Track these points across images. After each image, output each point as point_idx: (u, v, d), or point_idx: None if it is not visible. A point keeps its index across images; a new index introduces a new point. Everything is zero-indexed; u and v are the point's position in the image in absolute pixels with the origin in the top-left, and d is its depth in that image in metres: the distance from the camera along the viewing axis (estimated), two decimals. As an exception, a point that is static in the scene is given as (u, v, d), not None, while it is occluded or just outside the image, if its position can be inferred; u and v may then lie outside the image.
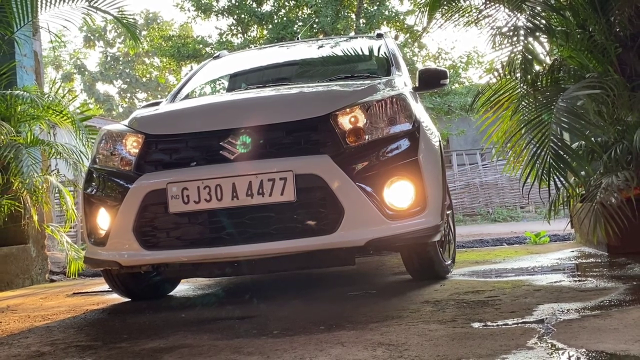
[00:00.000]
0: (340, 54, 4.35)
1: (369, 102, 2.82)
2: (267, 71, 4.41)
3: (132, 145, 2.91)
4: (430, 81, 3.62)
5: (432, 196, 2.79)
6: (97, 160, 3.05)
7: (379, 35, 4.48)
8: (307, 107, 2.92)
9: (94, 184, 3.02)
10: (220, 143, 2.74)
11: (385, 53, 3.98)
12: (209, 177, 2.66)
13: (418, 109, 3.07)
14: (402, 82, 3.43)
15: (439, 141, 3.25)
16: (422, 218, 2.74)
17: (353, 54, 4.32)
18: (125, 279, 3.19)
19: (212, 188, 2.64)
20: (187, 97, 3.92)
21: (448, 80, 3.76)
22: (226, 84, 4.31)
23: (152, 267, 2.95)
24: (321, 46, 4.75)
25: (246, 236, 2.67)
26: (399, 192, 2.73)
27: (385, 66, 3.83)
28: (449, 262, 3.35)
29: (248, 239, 2.67)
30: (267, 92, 3.46)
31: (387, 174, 2.72)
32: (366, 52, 4.23)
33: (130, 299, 3.33)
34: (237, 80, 4.32)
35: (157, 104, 3.83)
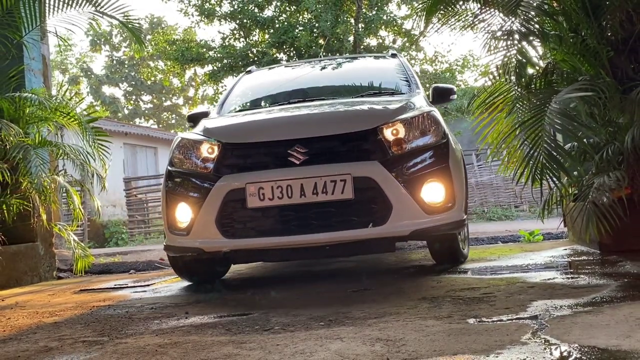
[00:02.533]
0: (366, 72, 4.87)
1: (408, 118, 3.29)
2: (307, 86, 4.79)
3: (207, 152, 3.33)
4: (442, 96, 4.19)
5: (459, 195, 3.27)
6: (174, 163, 3.47)
7: (393, 55, 4.94)
8: (358, 121, 3.37)
9: (174, 183, 3.45)
10: (288, 151, 3.16)
11: (404, 72, 4.49)
12: (281, 179, 3.09)
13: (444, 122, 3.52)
14: (423, 98, 3.89)
15: (461, 151, 3.70)
16: (452, 213, 3.23)
17: (378, 73, 4.79)
18: (188, 264, 3.67)
19: (284, 188, 3.09)
20: (242, 109, 4.33)
21: (455, 95, 4.28)
22: (263, 95, 4.74)
23: (224, 253, 3.35)
24: (340, 64, 5.31)
25: (311, 227, 3.11)
26: (434, 192, 3.19)
27: (405, 83, 4.29)
28: (465, 250, 3.88)
29: (313, 230, 3.11)
30: (319, 107, 3.86)
31: (424, 177, 3.19)
32: (390, 72, 4.64)
33: (190, 282, 3.80)
34: (277, 94, 4.63)
35: (205, 114, 4.30)
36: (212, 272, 3.84)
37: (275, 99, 4.40)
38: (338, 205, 3.09)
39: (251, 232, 3.20)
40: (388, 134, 3.21)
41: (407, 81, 4.32)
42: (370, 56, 5.81)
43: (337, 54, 15.38)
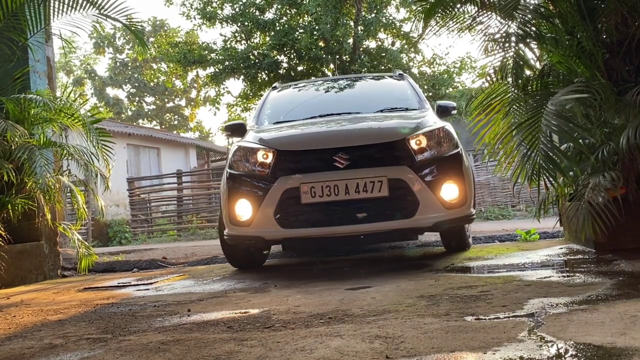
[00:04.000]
0: (380, 90, 5.57)
1: (428, 131, 3.92)
2: (329, 102, 5.39)
3: (262, 157, 3.90)
4: (445, 111, 4.73)
5: (469, 194, 3.91)
6: (233, 166, 4.04)
7: (401, 75, 5.62)
8: (389, 133, 4.00)
9: (234, 183, 3.98)
10: (333, 157, 3.76)
11: (412, 90, 5.19)
12: (329, 180, 3.69)
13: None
14: (433, 113, 4.56)
15: (468, 157, 4.27)
16: (465, 208, 3.86)
17: (391, 90, 5.45)
18: (238, 252, 4.38)
19: (332, 187, 3.69)
20: (280, 121, 4.80)
21: (456, 110, 4.88)
22: (296, 109, 5.19)
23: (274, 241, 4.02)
24: (355, 82, 5.95)
25: (353, 219, 3.71)
26: (451, 191, 3.81)
27: (415, 100, 4.96)
28: (470, 240, 4.62)
29: (354, 221, 3.71)
30: (353, 121, 4.41)
31: (443, 179, 3.81)
32: (400, 90, 5.31)
33: (238, 268, 4.47)
34: (308, 109, 5.09)
35: (242, 125, 4.90)
36: (256, 260, 4.53)
37: (308, 113, 4.89)
38: (375, 201, 3.69)
39: (304, 223, 3.78)
40: (413, 143, 3.83)
41: (417, 99, 5.00)
42: (381, 75, 6.34)
43: (337, 56, 15.39)
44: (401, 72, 5.75)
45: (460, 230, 4.31)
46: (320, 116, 4.68)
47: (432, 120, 4.18)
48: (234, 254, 4.43)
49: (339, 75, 15.17)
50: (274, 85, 5.96)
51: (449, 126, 4.08)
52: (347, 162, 3.75)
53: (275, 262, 4.98)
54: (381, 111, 4.68)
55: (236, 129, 4.82)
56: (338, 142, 3.91)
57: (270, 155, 3.88)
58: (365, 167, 3.74)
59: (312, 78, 7.26)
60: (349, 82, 6.01)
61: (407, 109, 4.73)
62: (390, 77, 5.83)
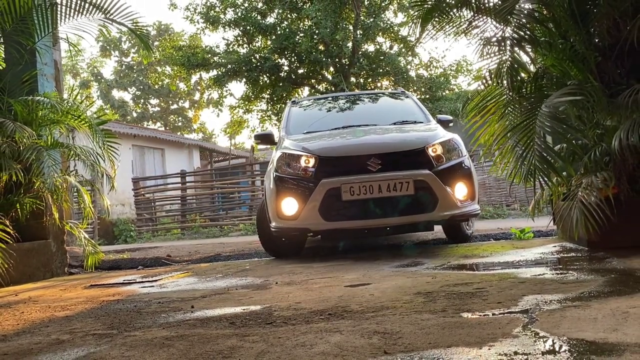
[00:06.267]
0: (389, 105, 6.29)
1: (441, 141, 4.62)
2: (347, 115, 6.09)
3: (305, 162, 4.56)
4: (445, 123, 5.40)
5: (475, 193, 4.68)
6: (279, 170, 4.65)
7: (403, 92, 6.45)
8: (412, 143, 4.66)
9: (281, 184, 4.58)
10: (367, 162, 4.43)
11: (417, 106, 5.98)
12: (365, 181, 4.35)
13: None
14: (439, 126, 5.22)
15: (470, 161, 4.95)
16: (473, 205, 4.62)
17: (398, 106, 6.15)
18: (276, 243, 5.02)
19: (367, 186, 4.34)
20: (311, 131, 5.35)
21: (452, 123, 5.56)
22: (321, 121, 5.84)
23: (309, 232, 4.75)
24: (366, 98, 6.72)
25: (384, 213, 4.35)
26: (463, 191, 4.54)
27: (421, 115, 5.69)
28: (469, 232, 5.35)
29: (386, 215, 4.36)
30: (378, 132, 5.10)
31: (456, 180, 4.53)
32: (406, 105, 6.08)
33: (275, 257, 5.07)
34: (331, 121, 5.73)
35: (270, 134, 5.67)
36: (292, 251, 5.07)
37: (331, 124, 5.53)
38: (403, 198, 4.35)
39: (344, 217, 4.40)
40: (431, 151, 4.52)
41: (421, 113, 5.75)
42: (386, 92, 6.97)
43: (336, 60, 15.39)
44: (403, 90, 6.67)
45: (460, 225, 5.10)
46: (343, 127, 5.36)
47: (442, 132, 4.89)
48: (267, 243, 5.09)
49: (339, 76, 15.18)
50: (293, 100, 6.78)
51: (457, 137, 4.77)
52: (379, 166, 4.41)
53: (275, 262, 4.98)
54: (394, 124, 5.37)
55: (265, 138, 5.65)
56: (370, 150, 4.55)
57: (312, 160, 4.54)
58: (393, 170, 4.39)
59: (326, 94, 7.94)
60: (359, 98, 6.82)
61: (415, 122, 5.44)
62: (394, 93, 6.58)
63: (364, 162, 4.42)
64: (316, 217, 4.39)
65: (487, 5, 4.07)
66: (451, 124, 5.47)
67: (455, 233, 5.23)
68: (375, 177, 4.34)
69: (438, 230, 6.91)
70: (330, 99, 6.78)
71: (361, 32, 15.26)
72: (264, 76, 15.76)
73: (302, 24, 15.80)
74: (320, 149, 4.66)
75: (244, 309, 2.51)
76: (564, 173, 3.82)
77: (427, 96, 15.69)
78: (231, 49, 15.93)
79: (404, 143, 4.69)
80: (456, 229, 5.18)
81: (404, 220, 4.42)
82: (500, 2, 3.94)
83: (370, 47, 16.09)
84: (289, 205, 4.49)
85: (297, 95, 16.81)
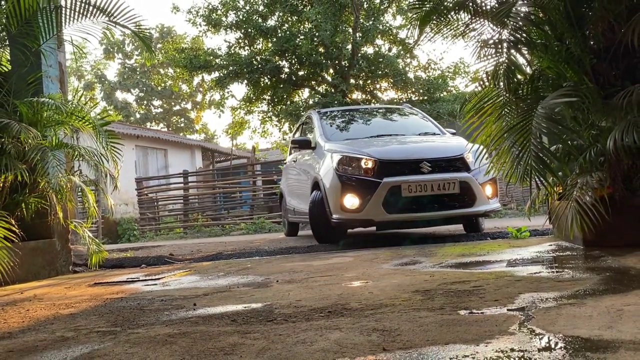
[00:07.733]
0: (405, 117, 7.25)
1: (473, 150, 4.99)
2: (374, 125, 7.02)
3: (364, 164, 5.39)
4: (453, 135, 6.50)
5: (498, 192, 5.76)
6: (339, 169, 5.46)
7: (409, 106, 7.61)
8: (454, 150, 5.63)
9: (343, 182, 5.40)
10: (419, 165, 5.35)
11: (427, 119, 7.18)
12: (419, 180, 5.25)
13: None
14: (458, 137, 6.26)
15: None
16: (497, 202, 5.79)
17: (413, 118, 7.20)
18: (326, 234, 5.81)
19: (422, 185, 5.24)
20: (348, 138, 6.31)
21: (455, 134, 6.68)
22: (354, 129, 6.87)
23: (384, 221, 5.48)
24: (382, 110, 7.77)
25: (435, 207, 5.29)
26: (490, 190, 5.57)
27: (435, 127, 6.80)
28: (483, 225, 6.17)
29: (436, 209, 5.30)
30: (419, 141, 6.07)
31: (487, 182, 5.48)
32: (418, 118, 7.21)
33: (320, 242, 5.83)
34: (363, 130, 6.74)
35: (307, 140, 6.65)
36: (337, 238, 5.75)
37: (364, 133, 6.51)
38: (451, 196, 5.30)
39: (403, 210, 5.24)
40: (467, 157, 5.46)
41: (433, 125, 6.82)
42: (398, 107, 7.86)
43: (336, 62, 15.38)
44: (408, 105, 7.86)
45: (478, 220, 6.00)
46: (378, 136, 6.31)
47: (465, 142, 5.79)
48: (318, 232, 5.91)
49: (339, 78, 15.17)
50: (317, 110, 7.67)
51: (480, 147, 5.37)
52: (429, 168, 5.31)
53: (275, 261, 4.98)
54: (419, 134, 6.40)
55: (303, 143, 6.62)
56: (422, 155, 5.44)
57: (371, 162, 5.35)
58: (441, 172, 5.33)
59: (344, 107, 8.67)
60: (377, 110, 7.77)
61: (434, 134, 6.52)
62: (402, 108, 7.58)
63: (417, 165, 5.30)
64: (379, 211, 5.19)
65: (484, 8, 4.07)
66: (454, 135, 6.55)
67: (472, 227, 6.05)
68: (429, 178, 5.24)
69: (438, 230, 6.91)
70: (350, 111, 7.64)
71: (360, 35, 15.25)
72: (265, 78, 15.75)
73: (302, 26, 15.80)
74: (377, 153, 5.47)
75: (245, 307, 2.51)
76: (560, 173, 3.82)
77: (426, 97, 15.67)
78: (233, 51, 15.92)
79: (448, 150, 5.60)
80: (475, 224, 6.00)
81: (451, 214, 5.32)
82: (497, 5, 3.95)
83: (370, 50, 16.08)
84: (352, 200, 5.31)
85: (297, 96, 16.82)
